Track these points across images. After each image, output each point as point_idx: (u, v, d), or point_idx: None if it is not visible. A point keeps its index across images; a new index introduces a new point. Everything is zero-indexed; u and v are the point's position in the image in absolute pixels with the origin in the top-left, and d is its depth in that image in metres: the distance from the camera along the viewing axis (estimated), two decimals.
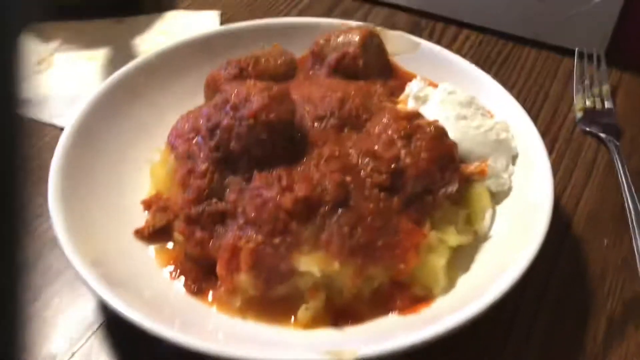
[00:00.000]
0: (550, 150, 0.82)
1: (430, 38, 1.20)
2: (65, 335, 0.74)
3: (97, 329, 0.75)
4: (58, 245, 0.72)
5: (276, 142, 0.74)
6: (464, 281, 0.74)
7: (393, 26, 1.22)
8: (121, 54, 1.15)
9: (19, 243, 0.30)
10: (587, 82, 1.09)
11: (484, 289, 0.68)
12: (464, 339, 0.69)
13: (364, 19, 1.25)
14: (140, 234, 0.79)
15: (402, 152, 0.73)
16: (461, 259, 0.76)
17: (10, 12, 0.29)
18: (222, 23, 1.23)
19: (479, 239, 0.78)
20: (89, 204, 0.79)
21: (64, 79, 1.10)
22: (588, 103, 1.05)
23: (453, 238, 0.74)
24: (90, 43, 1.17)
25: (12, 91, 0.30)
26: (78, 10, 1.19)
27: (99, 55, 1.14)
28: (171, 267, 0.77)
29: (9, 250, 0.30)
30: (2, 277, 0.30)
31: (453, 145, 0.76)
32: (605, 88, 1.07)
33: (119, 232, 0.79)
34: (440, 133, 0.75)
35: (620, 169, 0.93)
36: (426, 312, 0.71)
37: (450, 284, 0.73)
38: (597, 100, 1.06)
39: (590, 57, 1.12)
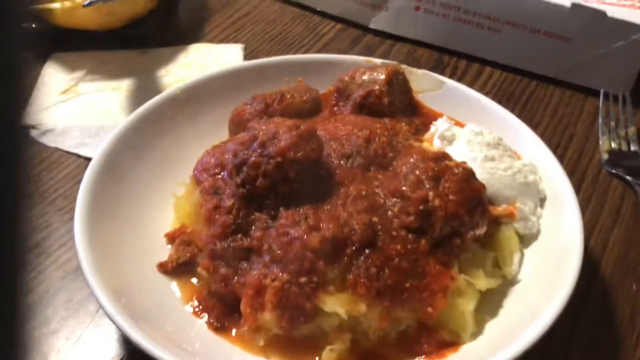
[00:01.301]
0: (576, 192, 0.81)
1: (453, 74, 1.20)
2: None
3: None
4: (81, 276, 0.72)
5: (303, 180, 0.74)
6: (491, 326, 0.73)
7: (415, 62, 1.23)
8: (145, 85, 1.16)
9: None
10: (612, 123, 1.08)
11: (512, 337, 0.67)
12: None
13: (386, 54, 1.25)
14: (164, 268, 0.79)
15: (430, 193, 0.72)
16: (488, 303, 0.75)
17: (34, 42, 0.29)
18: (245, 56, 1.24)
19: (507, 283, 0.77)
20: (114, 235, 0.79)
21: (88, 108, 1.11)
22: (614, 145, 1.05)
23: (482, 282, 0.73)
24: (114, 73, 1.18)
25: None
26: (103, 40, 1.20)
27: (123, 86, 1.15)
28: (194, 303, 0.76)
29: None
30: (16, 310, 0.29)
31: (481, 188, 0.75)
32: (632, 130, 1.06)
33: (142, 265, 0.79)
34: (468, 175, 0.74)
35: None
36: (453, 357, 0.70)
37: (478, 329, 0.72)
38: (623, 142, 1.05)
39: (615, 98, 1.11)
